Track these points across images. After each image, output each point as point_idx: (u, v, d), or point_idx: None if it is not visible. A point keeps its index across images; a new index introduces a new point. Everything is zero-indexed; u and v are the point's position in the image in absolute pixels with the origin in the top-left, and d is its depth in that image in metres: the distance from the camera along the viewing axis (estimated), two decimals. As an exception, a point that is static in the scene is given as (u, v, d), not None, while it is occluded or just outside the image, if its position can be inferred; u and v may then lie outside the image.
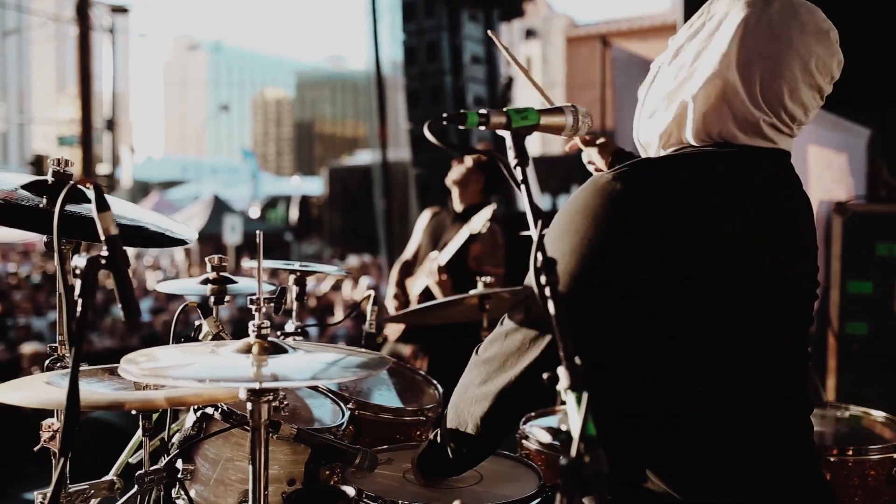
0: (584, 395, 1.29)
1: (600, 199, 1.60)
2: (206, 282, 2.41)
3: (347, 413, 2.32)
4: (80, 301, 1.45)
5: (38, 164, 32.77)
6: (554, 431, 2.46)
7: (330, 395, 2.44)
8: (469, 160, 4.69)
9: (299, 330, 2.64)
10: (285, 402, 1.72)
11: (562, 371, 1.32)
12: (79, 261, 1.49)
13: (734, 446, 1.66)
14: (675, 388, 1.64)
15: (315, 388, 2.48)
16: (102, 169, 31.90)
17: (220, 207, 24.68)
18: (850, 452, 2.62)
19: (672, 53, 1.78)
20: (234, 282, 2.42)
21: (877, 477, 2.61)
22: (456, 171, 4.73)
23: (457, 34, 11.19)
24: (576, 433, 1.27)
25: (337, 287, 14.01)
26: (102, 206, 1.50)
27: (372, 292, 2.80)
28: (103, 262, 1.48)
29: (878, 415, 2.95)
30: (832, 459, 2.59)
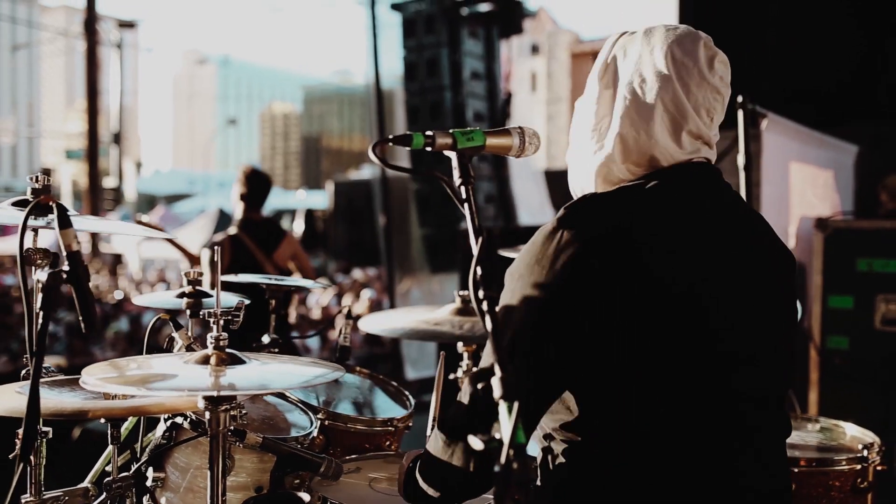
0: (515, 405, 1.35)
1: (549, 245, 1.65)
2: (182, 295, 2.48)
3: (316, 423, 2.38)
4: (40, 313, 1.52)
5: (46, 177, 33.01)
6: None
7: (300, 405, 2.50)
8: None
9: (274, 342, 2.70)
10: (244, 412, 1.78)
11: (495, 382, 1.38)
12: (41, 275, 1.56)
13: (706, 461, 1.70)
14: (643, 410, 1.67)
15: (286, 399, 2.54)
16: (109, 182, 32.14)
17: (225, 221, 24.76)
18: (815, 464, 2.67)
19: (589, 93, 1.86)
20: (210, 295, 2.49)
21: (841, 488, 2.66)
22: None
23: (456, 50, 11.27)
24: (506, 441, 1.33)
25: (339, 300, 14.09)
26: (65, 224, 1.57)
27: (346, 307, 2.86)
28: (64, 276, 1.55)
29: (849, 427, 3.00)
30: (796, 470, 2.63)
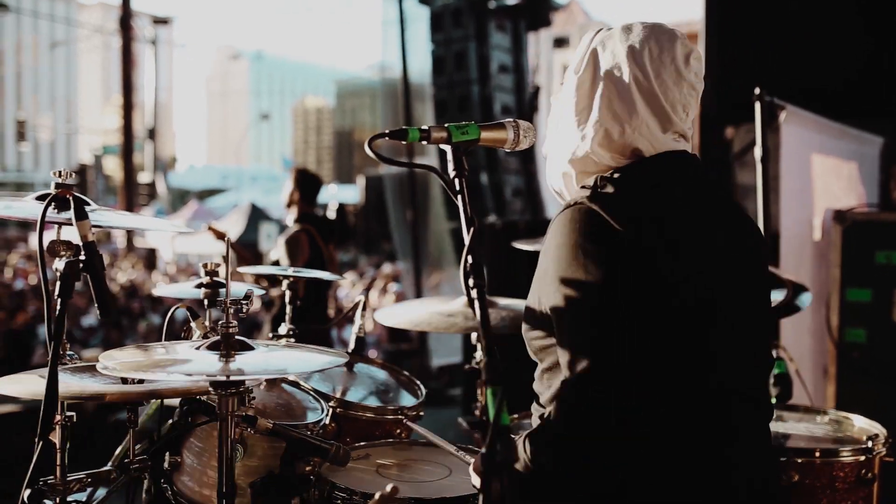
0: (500, 389, 1.42)
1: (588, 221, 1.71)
2: (199, 286, 2.58)
3: (328, 410, 2.46)
4: (58, 300, 1.61)
5: (82, 173, 33.55)
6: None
7: (312, 393, 2.58)
8: None
9: (291, 332, 2.79)
10: (253, 396, 1.86)
11: (482, 366, 1.45)
12: (58, 264, 1.65)
13: (704, 458, 1.76)
14: (646, 402, 1.71)
15: (299, 387, 2.63)
16: (144, 177, 32.60)
17: (256, 215, 25.01)
18: (820, 454, 2.69)
19: (567, 87, 1.91)
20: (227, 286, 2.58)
21: (845, 479, 2.68)
22: None
23: (484, 44, 11.30)
24: (492, 423, 1.40)
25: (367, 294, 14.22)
26: (81, 215, 1.66)
27: (362, 299, 2.94)
28: (81, 265, 1.65)
29: (857, 419, 3.01)
30: (801, 461, 2.66)
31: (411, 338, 10.74)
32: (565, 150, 1.88)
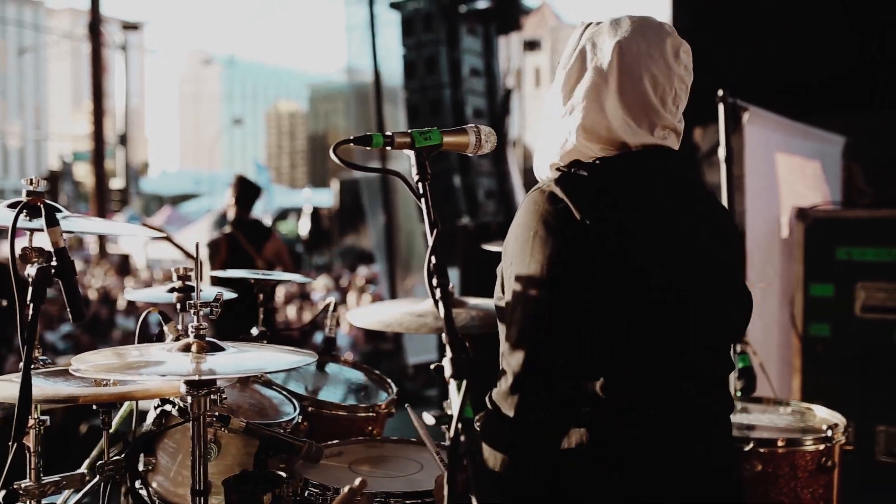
0: (464, 383, 1.47)
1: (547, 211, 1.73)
2: (172, 290, 2.61)
3: (298, 409, 2.50)
4: (31, 305, 1.64)
5: (52, 179, 33.21)
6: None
7: (284, 393, 2.63)
8: None
9: (262, 334, 2.83)
10: (225, 396, 1.90)
11: (446, 362, 1.50)
12: (31, 270, 1.68)
13: (679, 446, 1.80)
14: (616, 387, 1.75)
15: (272, 387, 2.67)
16: (116, 183, 32.32)
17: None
18: (782, 444, 2.77)
19: (557, 82, 1.94)
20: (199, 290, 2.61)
21: (806, 467, 2.76)
22: None
23: (455, 48, 11.35)
24: (455, 416, 1.45)
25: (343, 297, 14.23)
26: (52, 222, 1.70)
27: (332, 300, 2.99)
28: (53, 271, 1.68)
29: (819, 409, 3.10)
30: (764, 451, 2.74)
31: (388, 338, 10.78)
32: (555, 143, 1.89)
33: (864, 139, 6.04)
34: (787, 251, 4.81)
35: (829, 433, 2.78)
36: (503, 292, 1.81)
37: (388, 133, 1.73)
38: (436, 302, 1.58)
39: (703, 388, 1.87)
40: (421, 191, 1.69)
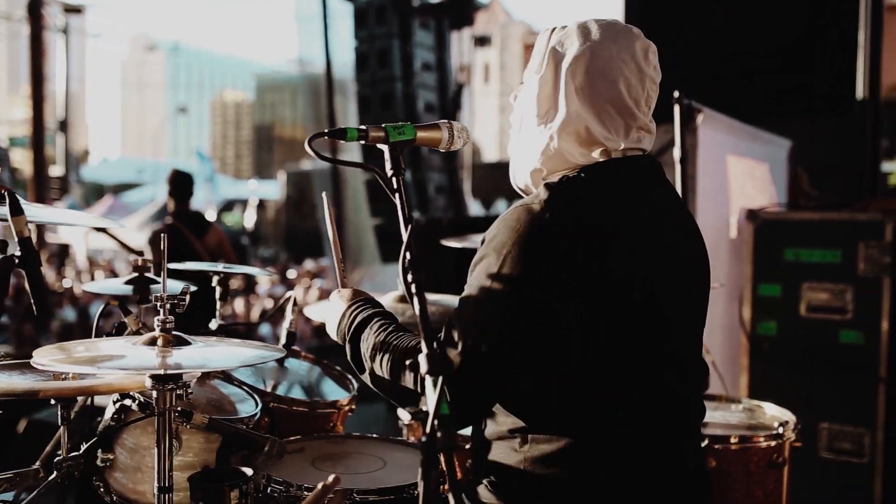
0: (440, 379, 1.47)
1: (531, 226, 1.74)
2: (130, 282, 2.56)
3: (260, 405, 2.48)
4: (-7, 297, 1.60)
5: (-13, 165, 32.23)
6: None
7: (245, 388, 2.60)
8: None
9: (221, 327, 2.79)
10: (190, 391, 1.87)
11: (422, 358, 1.50)
12: (-8, 260, 1.64)
13: (662, 452, 1.83)
14: (597, 394, 1.77)
15: (232, 382, 2.64)
16: (55, 171, 31.52)
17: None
18: (735, 441, 2.84)
19: (529, 88, 1.94)
20: (157, 282, 2.57)
21: (758, 463, 2.83)
22: None
23: (408, 41, 11.33)
24: (431, 412, 1.45)
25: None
26: (16, 211, 1.65)
27: (293, 294, 2.96)
28: (17, 261, 1.63)
29: (769, 407, 3.18)
30: (718, 447, 2.80)
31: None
32: (534, 150, 1.89)
33: (809, 143, 6.20)
34: (736, 252, 4.92)
35: (781, 430, 2.85)
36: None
37: (363, 127, 1.72)
38: (410, 297, 1.57)
39: (683, 378, 1.90)
40: (395, 185, 1.68)
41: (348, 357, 1.96)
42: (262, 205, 28.40)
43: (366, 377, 1.92)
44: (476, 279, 1.76)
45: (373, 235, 11.05)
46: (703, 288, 2.02)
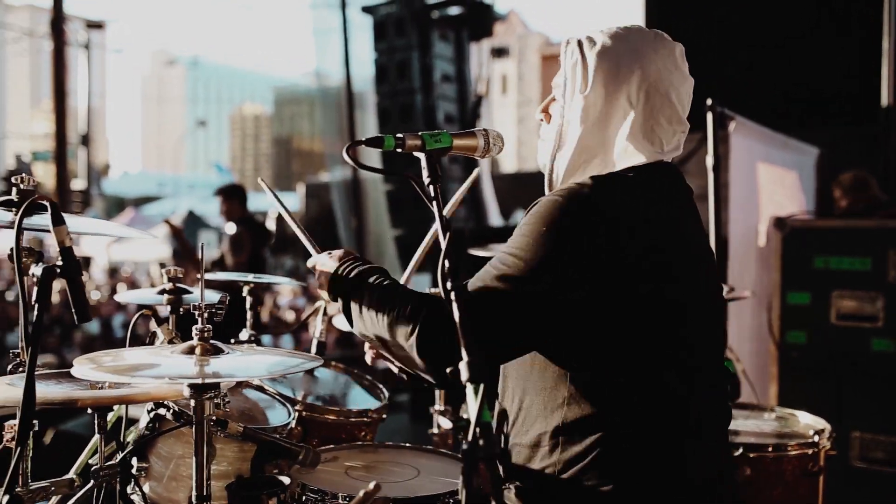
0: (481, 387, 1.46)
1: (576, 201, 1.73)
2: (162, 292, 2.57)
3: (294, 414, 2.48)
4: (36, 305, 1.61)
5: (9, 179, 32.63)
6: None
7: (278, 398, 2.60)
8: None
9: (252, 338, 2.80)
10: (227, 400, 1.87)
11: (463, 366, 1.49)
12: (36, 270, 1.65)
13: (668, 446, 1.80)
14: (622, 391, 1.76)
15: (264, 392, 2.64)
16: (77, 184, 31.81)
17: (195, 223, 24.71)
18: (770, 449, 2.81)
19: (573, 108, 1.89)
20: (190, 292, 2.58)
21: (793, 472, 2.80)
22: None
23: (427, 53, 11.36)
24: (473, 420, 1.44)
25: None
26: (58, 221, 1.66)
27: (322, 304, 2.96)
28: (58, 270, 1.64)
29: (802, 415, 3.15)
30: (752, 456, 2.77)
31: (355, 344, 10.77)
32: (581, 161, 1.88)
33: (835, 151, 6.17)
34: (764, 260, 4.88)
35: (816, 438, 2.82)
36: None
37: (399, 135, 1.72)
38: (450, 304, 1.57)
39: (685, 379, 1.87)
40: (432, 193, 1.68)
41: (340, 310, 1.92)
42: (281, 217, 28.49)
43: (357, 329, 1.89)
44: (513, 239, 1.76)
45: (394, 246, 11.07)
46: (720, 293, 2.02)
